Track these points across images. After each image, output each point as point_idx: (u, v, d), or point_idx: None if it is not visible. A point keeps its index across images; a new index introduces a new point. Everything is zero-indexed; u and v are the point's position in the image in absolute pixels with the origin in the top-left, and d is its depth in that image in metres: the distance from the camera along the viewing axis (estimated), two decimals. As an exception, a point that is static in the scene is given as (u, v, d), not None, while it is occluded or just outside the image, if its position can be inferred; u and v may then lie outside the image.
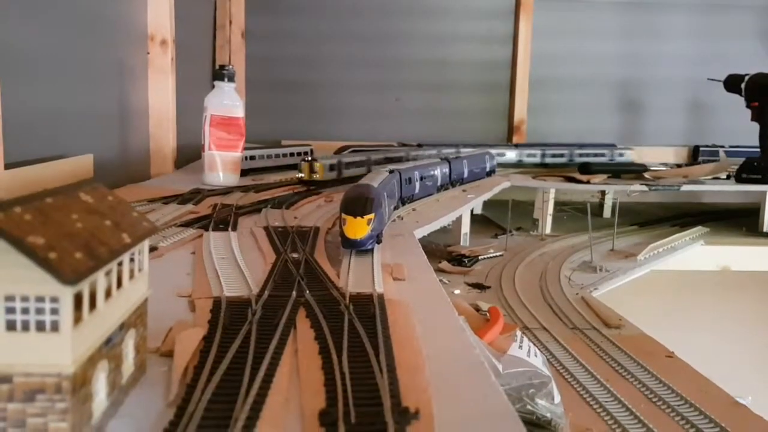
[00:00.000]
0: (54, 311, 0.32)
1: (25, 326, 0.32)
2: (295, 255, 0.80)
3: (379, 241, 0.85)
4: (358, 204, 0.81)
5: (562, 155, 2.38)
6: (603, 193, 2.33)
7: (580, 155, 2.35)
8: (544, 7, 2.78)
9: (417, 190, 1.33)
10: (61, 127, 1.30)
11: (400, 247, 0.91)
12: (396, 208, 1.19)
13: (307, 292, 0.64)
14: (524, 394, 0.72)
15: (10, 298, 0.31)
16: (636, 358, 0.96)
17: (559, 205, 2.12)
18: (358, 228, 0.80)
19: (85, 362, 0.34)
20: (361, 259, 0.78)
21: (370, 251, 0.81)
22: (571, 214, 2.20)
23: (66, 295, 0.31)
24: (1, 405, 0.32)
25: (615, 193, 2.15)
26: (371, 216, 0.81)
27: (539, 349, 0.83)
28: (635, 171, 2.13)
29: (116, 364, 0.39)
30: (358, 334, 0.52)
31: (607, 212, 2.31)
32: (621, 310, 1.23)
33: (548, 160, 2.38)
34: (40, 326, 0.32)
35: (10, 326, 0.32)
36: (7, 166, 1.02)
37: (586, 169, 2.07)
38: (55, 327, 0.32)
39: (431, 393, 0.43)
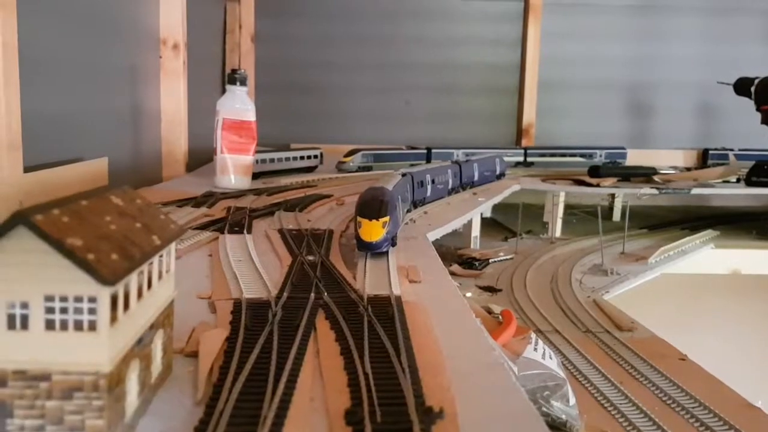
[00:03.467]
0: (92, 311, 0.32)
1: (64, 326, 0.33)
2: (310, 257, 0.81)
3: (393, 244, 0.85)
4: (374, 207, 0.82)
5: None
6: (613, 196, 2.33)
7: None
8: (553, 10, 2.79)
9: (429, 193, 1.33)
10: (75, 131, 1.31)
11: (414, 250, 0.92)
12: (408, 211, 1.19)
13: (326, 294, 0.65)
14: (539, 396, 0.72)
15: (49, 298, 0.32)
16: (649, 360, 0.97)
17: (569, 209, 2.12)
18: (374, 231, 0.80)
19: (120, 361, 0.35)
20: (376, 262, 0.79)
21: (385, 254, 0.82)
22: (580, 218, 2.20)
23: (104, 295, 0.32)
24: (40, 403, 0.33)
25: (625, 196, 2.15)
26: (386, 219, 0.81)
27: (552, 352, 0.83)
28: (645, 174, 2.13)
29: (146, 364, 0.40)
30: (378, 336, 0.53)
31: (616, 215, 2.30)
32: (632, 313, 1.23)
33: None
34: (78, 326, 0.33)
35: (49, 326, 0.33)
36: (26, 170, 1.03)
37: (596, 172, 2.07)
38: (92, 326, 0.33)
39: (454, 393, 0.44)
